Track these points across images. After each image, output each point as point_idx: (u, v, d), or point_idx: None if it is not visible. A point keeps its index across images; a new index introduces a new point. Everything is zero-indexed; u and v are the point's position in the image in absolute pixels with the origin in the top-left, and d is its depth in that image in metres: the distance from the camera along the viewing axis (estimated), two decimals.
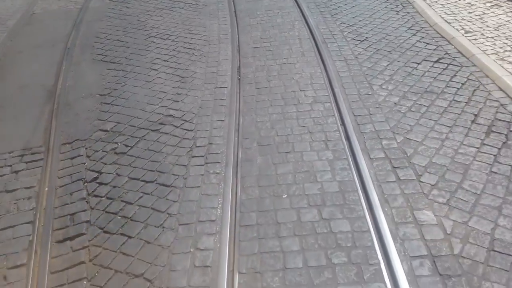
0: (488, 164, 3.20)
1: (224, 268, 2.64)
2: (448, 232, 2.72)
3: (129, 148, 3.72)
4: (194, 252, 2.76)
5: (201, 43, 5.28)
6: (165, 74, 4.73)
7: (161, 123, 3.97)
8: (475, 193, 2.98)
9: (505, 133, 3.49)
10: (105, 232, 2.98)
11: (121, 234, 2.95)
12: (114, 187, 3.34)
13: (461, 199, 2.94)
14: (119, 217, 3.08)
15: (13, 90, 4.70)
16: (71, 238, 2.99)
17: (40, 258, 2.88)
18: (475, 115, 3.71)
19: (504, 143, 3.39)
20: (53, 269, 2.79)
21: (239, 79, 4.53)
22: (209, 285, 2.57)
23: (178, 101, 4.26)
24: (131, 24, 5.90)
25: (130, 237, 2.92)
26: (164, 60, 4.99)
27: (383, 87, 4.18)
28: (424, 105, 3.89)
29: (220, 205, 3.08)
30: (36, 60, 5.25)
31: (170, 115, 4.07)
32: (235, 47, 5.09)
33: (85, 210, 3.18)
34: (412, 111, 3.83)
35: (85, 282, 2.68)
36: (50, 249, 2.93)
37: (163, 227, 2.95)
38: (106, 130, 3.97)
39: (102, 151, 3.72)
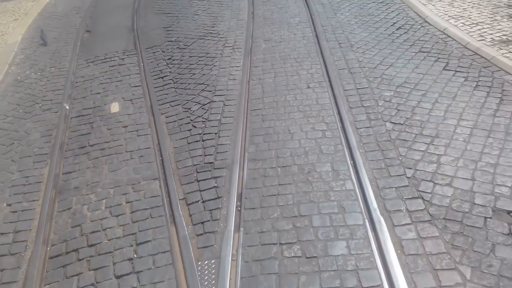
0: (393, 39, 6.47)
1: (245, 77, 5.93)
2: (353, 49, 5.98)
3: (187, 46, 7.09)
4: (230, 72, 6.05)
5: (227, 0, 8.77)
6: (204, 17, 8.17)
7: (204, 36, 7.35)
8: (378, 44, 6.24)
9: (407, 29, 6.75)
10: (179, 72, 6.31)
11: (189, 72, 6.28)
12: (181, 60, 6.69)
13: (372, 48, 6.20)
14: (186, 69, 6.42)
15: (107, 28, 8.21)
16: (162, 77, 6.31)
17: (148, 84, 6.21)
18: (394, 23, 6.99)
19: (405, 32, 6.65)
20: (156, 86, 6.11)
21: (253, 17, 7.94)
22: (239, 79, 5.85)
23: (214, 27, 7.66)
24: None
25: (194, 74, 6.25)
26: (203, 10, 8.45)
27: (343, 14, 7.52)
28: (365, 20, 7.19)
29: (241, 60, 6.39)
30: (116, 15, 8.80)
31: (210, 33, 7.46)
32: (250, 2, 8.55)
33: (167, 69, 6.53)
34: (357, 23, 7.13)
35: (171, 87, 5.99)
36: (152, 82, 6.27)
37: (211, 69, 6.26)
38: (171, 40, 7.37)
39: (171, 48, 7.11)
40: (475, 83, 5.08)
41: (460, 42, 6.01)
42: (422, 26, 6.68)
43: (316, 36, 6.75)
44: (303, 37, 6.79)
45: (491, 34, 6.09)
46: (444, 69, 5.45)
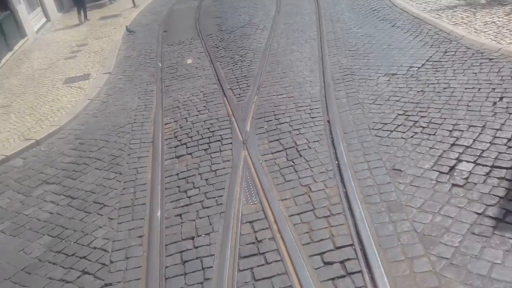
0: (367, 16, 10.66)
1: (269, 41, 10.30)
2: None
3: (232, 31, 11.57)
4: (258, 40, 10.45)
5: (261, 4, 13.38)
6: (244, 16, 12.73)
7: (244, 26, 11.81)
8: (357, 19, 10.44)
9: (380, 10, 10.92)
10: (227, 44, 10.80)
11: (233, 44, 10.76)
12: (228, 39, 11.19)
13: (352, 21, 10.40)
14: (232, 42, 10.91)
15: (178, 29, 12.98)
16: (216, 47, 10.83)
17: (208, 51, 10.74)
18: (372, 8, 11.14)
19: (377, 12, 10.84)
20: (212, 52, 10.63)
21: (278, 13, 12.41)
22: (264, 42, 10.23)
23: (250, 21, 12.14)
24: (225, 4, 14.25)
25: (236, 43, 10.70)
26: (244, 13, 13.01)
27: (339, 6, 11.71)
28: (354, 8, 11.35)
29: (267, 34, 10.78)
30: (184, 22, 13.61)
31: (247, 24, 11.95)
32: (278, 4, 13.09)
33: (219, 43, 11.04)
34: (348, 10, 11.24)
35: (222, 51, 10.48)
36: (211, 50, 10.79)
37: (247, 40, 10.71)
38: (222, 30, 11.93)
39: (221, 34, 11.67)
40: (407, 30, 9.06)
41: (408, 13, 10.04)
42: (390, 8, 10.78)
43: (318, 18, 11.04)
44: (309, 20, 11.10)
45: (431, 6, 10.08)
46: (392, 26, 9.51)
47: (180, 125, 6.98)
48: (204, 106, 7.45)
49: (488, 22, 8.35)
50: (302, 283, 3.72)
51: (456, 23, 8.62)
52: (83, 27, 14.71)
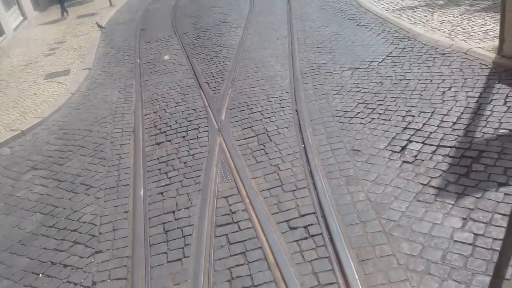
0: (335, 15, 11.34)
1: (242, 39, 10.87)
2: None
3: (208, 30, 12.09)
4: (233, 38, 11.01)
5: (235, 4, 13.94)
6: (219, 15, 13.27)
7: (218, 24, 12.34)
8: (325, 18, 11.11)
9: (346, 10, 11.61)
10: (203, 42, 11.34)
11: (208, 41, 11.30)
12: (204, 36, 11.72)
13: (321, 20, 11.07)
14: (207, 40, 11.45)
15: (155, 27, 13.43)
16: (193, 44, 11.33)
17: (184, 48, 11.24)
18: (340, 8, 11.83)
19: (344, 12, 11.53)
20: (189, 48, 11.13)
21: (252, 12, 13.00)
22: (238, 40, 10.80)
23: (225, 20, 12.68)
24: (201, 3, 14.74)
25: (211, 41, 11.25)
26: (219, 12, 13.56)
27: (309, 6, 12.36)
28: (323, 8, 12.04)
29: (241, 32, 11.35)
30: (161, 20, 14.07)
31: (222, 22, 12.48)
32: (252, 4, 13.67)
33: (195, 41, 11.55)
34: (317, 10, 11.90)
35: (198, 48, 11.00)
36: (187, 47, 11.30)
37: (222, 38, 11.25)
38: (197, 28, 12.47)
39: (197, 32, 12.18)
40: (371, 29, 9.76)
41: (373, 12, 10.74)
42: (356, 8, 11.49)
43: (289, 17, 11.66)
44: (281, 19, 11.72)
45: (394, 7, 10.82)
46: (357, 25, 10.20)
47: (159, 115, 7.45)
48: (182, 99, 7.94)
49: (444, 21, 9.09)
50: (270, 244, 4.27)
51: (415, 22, 9.35)
52: (60, 25, 14.97)
